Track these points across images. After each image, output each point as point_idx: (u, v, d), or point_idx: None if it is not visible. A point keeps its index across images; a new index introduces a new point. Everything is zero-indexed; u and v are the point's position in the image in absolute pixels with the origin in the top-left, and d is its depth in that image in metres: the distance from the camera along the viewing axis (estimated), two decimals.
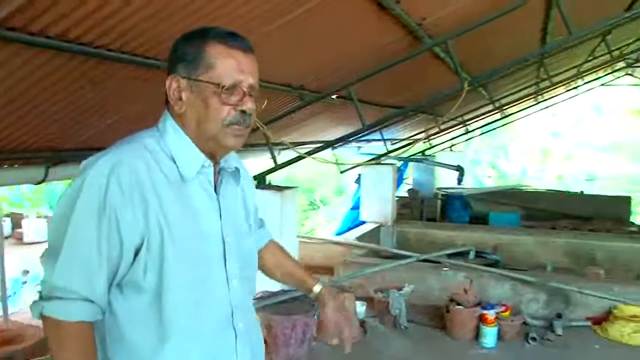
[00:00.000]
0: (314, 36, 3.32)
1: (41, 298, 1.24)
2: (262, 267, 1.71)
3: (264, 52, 2.32)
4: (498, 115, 11.45)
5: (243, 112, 1.28)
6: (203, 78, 1.27)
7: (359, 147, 8.98)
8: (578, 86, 12.81)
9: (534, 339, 4.28)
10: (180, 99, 1.30)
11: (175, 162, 1.29)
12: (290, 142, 4.66)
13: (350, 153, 9.02)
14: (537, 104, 12.78)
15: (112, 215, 1.20)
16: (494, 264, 5.90)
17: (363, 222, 7.83)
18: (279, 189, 4.36)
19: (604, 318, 4.69)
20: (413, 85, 6.00)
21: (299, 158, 4.62)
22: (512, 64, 4.82)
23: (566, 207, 9.84)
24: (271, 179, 4.62)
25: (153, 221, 1.23)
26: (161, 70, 2.39)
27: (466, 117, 10.24)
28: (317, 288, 1.66)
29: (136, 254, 1.24)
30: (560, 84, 10.30)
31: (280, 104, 4.50)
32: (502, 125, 13.58)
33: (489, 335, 4.06)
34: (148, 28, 2.24)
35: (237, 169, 1.43)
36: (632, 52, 8.61)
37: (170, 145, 1.31)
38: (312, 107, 4.74)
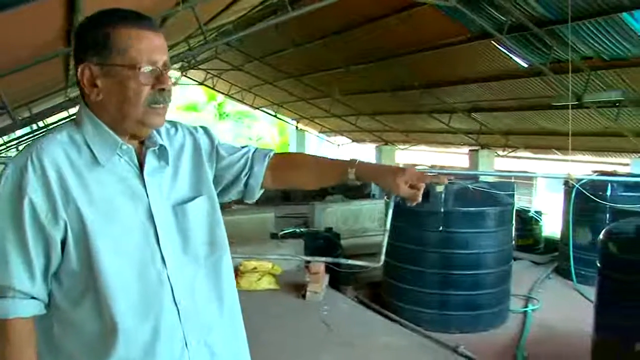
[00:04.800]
0: None
1: None
2: (289, 182, 1.86)
3: None
4: None
5: (162, 90, 1.40)
6: (118, 62, 1.35)
7: None
8: None
9: None
10: (96, 86, 1.39)
11: (91, 149, 1.40)
12: None
13: None
14: None
15: (29, 202, 1.31)
16: None
17: None
18: None
19: (235, 275, 6.29)
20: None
21: None
22: None
23: None
24: None
25: (73, 207, 1.34)
26: None
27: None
28: (350, 171, 1.66)
29: (63, 243, 1.35)
30: None
31: None
32: None
33: None
34: None
35: (162, 146, 1.51)
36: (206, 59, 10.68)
37: (86, 134, 1.41)
38: None
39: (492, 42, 8.52)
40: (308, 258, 6.35)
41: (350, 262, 6.46)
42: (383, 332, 5.14)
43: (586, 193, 6.06)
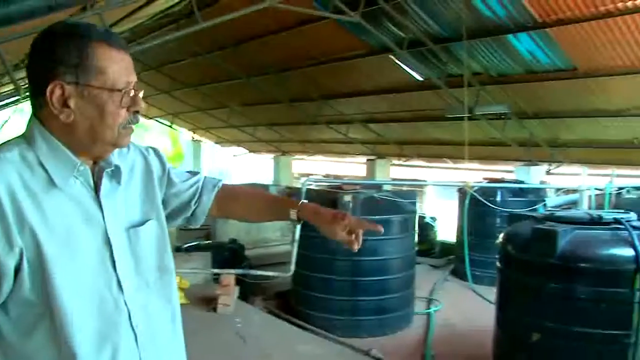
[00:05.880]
0: None
1: None
2: (233, 214, 1.90)
3: None
4: None
5: (136, 112, 1.38)
6: (95, 83, 1.30)
7: None
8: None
9: None
10: (67, 106, 1.31)
11: (46, 170, 1.32)
12: None
13: None
14: None
15: None
16: None
17: None
18: None
19: None
20: None
21: None
22: None
23: None
24: None
25: (29, 233, 1.26)
26: None
27: None
28: (293, 212, 1.73)
29: (16, 270, 1.27)
30: None
31: None
32: None
33: None
34: None
35: (117, 167, 1.47)
36: None
37: (40, 153, 1.33)
38: None
39: (391, 56, 9.00)
40: (219, 270, 6.36)
41: (261, 272, 6.58)
42: (298, 341, 5.28)
43: (482, 199, 6.59)
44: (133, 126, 1.40)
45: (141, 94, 1.40)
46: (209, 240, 9.31)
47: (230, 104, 14.68)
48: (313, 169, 19.39)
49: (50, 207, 1.30)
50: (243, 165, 21.98)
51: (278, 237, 10.17)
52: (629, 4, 5.89)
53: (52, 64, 1.29)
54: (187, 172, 1.77)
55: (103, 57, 1.31)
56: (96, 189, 1.40)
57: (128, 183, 1.52)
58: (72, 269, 1.31)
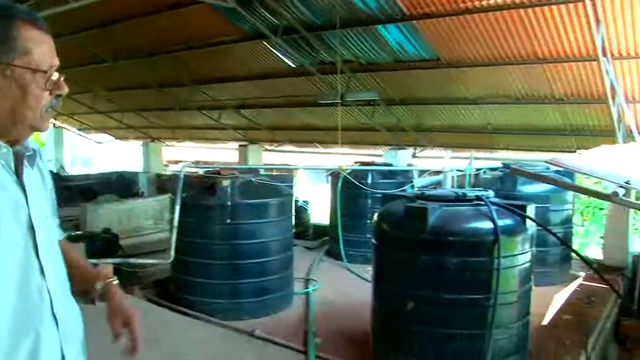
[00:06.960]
0: None
1: None
2: None
3: None
4: None
5: (59, 96, 1.37)
6: (20, 63, 1.27)
7: None
8: None
9: None
10: None
11: None
12: None
13: None
14: None
15: None
16: None
17: None
18: None
19: None
20: None
21: None
22: None
23: None
24: None
25: None
26: None
27: None
28: (100, 285, 1.71)
29: None
30: None
31: None
32: None
33: None
34: None
35: (34, 151, 1.43)
36: None
37: None
38: None
39: (264, 42, 9.07)
40: (96, 261, 6.10)
41: (141, 261, 6.40)
42: (184, 327, 5.21)
43: (355, 182, 6.89)
44: (53, 110, 1.40)
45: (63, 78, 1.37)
46: (79, 230, 8.87)
47: (95, 88, 13.93)
48: (184, 155, 18.97)
49: None
50: (109, 153, 20.95)
51: (151, 225, 9.94)
52: (484, 2, 6.46)
53: None
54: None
55: (27, 37, 1.29)
56: (16, 172, 1.36)
57: (43, 178, 1.51)
58: None
